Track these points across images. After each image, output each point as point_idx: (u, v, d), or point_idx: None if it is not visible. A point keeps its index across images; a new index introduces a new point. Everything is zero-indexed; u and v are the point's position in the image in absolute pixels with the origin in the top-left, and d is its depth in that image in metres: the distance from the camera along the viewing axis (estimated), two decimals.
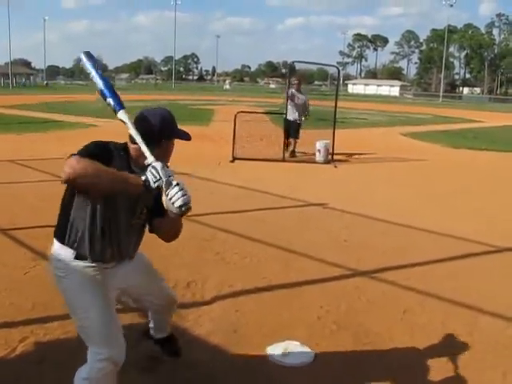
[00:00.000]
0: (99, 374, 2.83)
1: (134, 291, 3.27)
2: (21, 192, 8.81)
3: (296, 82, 14.87)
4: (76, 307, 2.90)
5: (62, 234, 2.84)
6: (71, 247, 2.82)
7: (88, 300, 2.87)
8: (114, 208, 2.79)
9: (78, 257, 2.83)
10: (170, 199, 2.56)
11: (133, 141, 2.77)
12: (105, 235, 2.81)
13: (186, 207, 2.59)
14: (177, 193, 2.56)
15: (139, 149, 2.72)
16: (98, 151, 2.68)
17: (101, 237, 2.80)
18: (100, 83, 2.89)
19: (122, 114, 2.82)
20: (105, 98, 2.88)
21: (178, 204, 2.57)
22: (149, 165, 2.60)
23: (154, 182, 2.55)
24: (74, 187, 2.68)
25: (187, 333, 4.22)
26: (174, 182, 2.58)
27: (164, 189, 2.57)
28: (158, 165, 2.59)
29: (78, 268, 2.85)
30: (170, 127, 2.90)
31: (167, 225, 2.89)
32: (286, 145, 14.23)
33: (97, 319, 2.85)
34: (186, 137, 2.91)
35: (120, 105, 2.86)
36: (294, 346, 4.04)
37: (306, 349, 4.03)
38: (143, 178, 2.57)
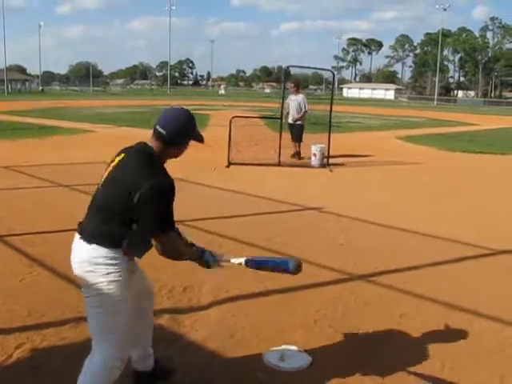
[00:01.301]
0: (110, 373, 2.95)
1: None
2: (16, 198, 8.80)
3: (292, 86, 15.14)
4: (108, 300, 2.91)
5: (110, 238, 2.89)
6: (120, 249, 2.89)
7: (126, 300, 2.95)
8: None
9: (124, 256, 2.92)
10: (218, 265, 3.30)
11: (160, 141, 2.91)
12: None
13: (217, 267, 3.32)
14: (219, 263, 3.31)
15: (161, 146, 2.91)
16: (173, 198, 2.88)
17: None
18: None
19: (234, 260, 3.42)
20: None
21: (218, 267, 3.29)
22: (220, 259, 3.30)
23: (210, 265, 3.25)
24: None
25: (184, 338, 4.22)
26: (222, 264, 3.35)
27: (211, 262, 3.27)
28: (220, 258, 3.29)
29: (125, 266, 2.93)
30: (192, 131, 3.02)
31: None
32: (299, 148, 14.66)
33: (126, 320, 2.98)
34: (200, 139, 3.06)
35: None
36: (291, 351, 4.04)
37: (303, 353, 4.02)
38: (205, 258, 3.21)
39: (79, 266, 2.94)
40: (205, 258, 3.17)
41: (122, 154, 2.98)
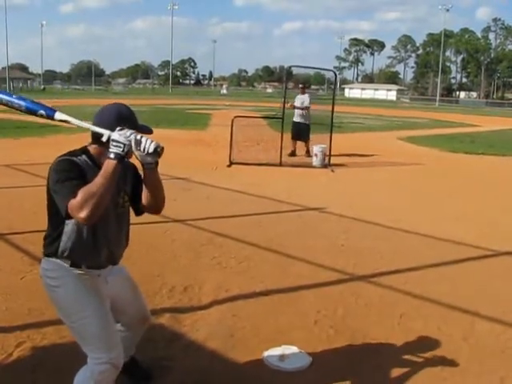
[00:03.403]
0: (100, 377, 2.85)
1: (118, 301, 3.18)
2: (18, 197, 8.81)
3: (301, 86, 15.69)
4: (72, 313, 2.89)
5: (53, 247, 2.85)
6: (64, 257, 2.83)
7: (85, 305, 2.87)
8: None
9: (73, 264, 2.84)
10: (144, 150, 2.60)
11: (94, 140, 2.80)
12: (97, 236, 2.83)
13: (159, 148, 2.62)
14: (146, 142, 2.60)
15: (98, 147, 2.77)
16: (76, 173, 2.69)
17: (93, 238, 2.82)
18: (22, 104, 2.86)
19: (59, 115, 2.81)
20: (35, 113, 2.85)
21: (151, 150, 2.59)
22: (108, 140, 2.62)
23: (123, 151, 2.58)
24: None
25: (184, 337, 4.22)
26: (138, 137, 2.61)
27: (134, 148, 2.61)
28: (115, 134, 2.61)
29: (72, 276, 2.86)
30: (127, 119, 2.81)
31: (149, 188, 2.90)
32: (294, 148, 14.95)
33: (96, 324, 2.86)
34: (145, 129, 2.82)
35: (51, 109, 2.85)
36: (291, 351, 4.03)
37: (303, 353, 4.02)
38: (111, 155, 2.58)
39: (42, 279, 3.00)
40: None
41: None
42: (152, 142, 2.60)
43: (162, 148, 2.64)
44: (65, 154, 2.81)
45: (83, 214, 2.52)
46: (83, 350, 2.92)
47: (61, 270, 2.85)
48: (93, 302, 2.89)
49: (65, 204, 2.58)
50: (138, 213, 3.08)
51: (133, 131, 2.62)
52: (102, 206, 2.60)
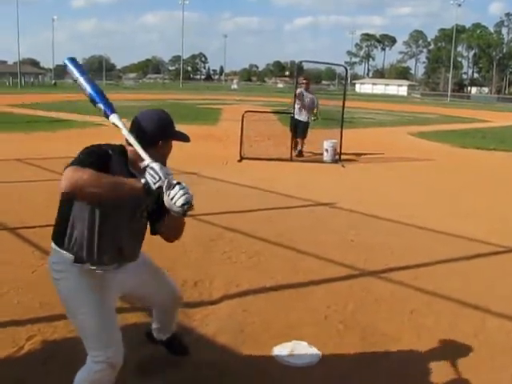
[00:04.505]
0: (97, 376, 2.84)
1: (139, 292, 3.24)
2: (29, 191, 8.85)
3: (305, 81, 14.78)
4: (73, 309, 2.90)
5: (60, 238, 2.84)
6: (69, 251, 2.81)
7: (85, 302, 2.85)
8: (114, 211, 2.77)
9: (76, 260, 2.82)
10: (172, 199, 2.48)
11: (130, 143, 2.75)
12: (103, 239, 2.80)
13: (187, 206, 2.49)
14: (178, 192, 2.48)
15: (134, 150, 2.71)
16: (95, 157, 2.65)
17: (99, 240, 2.79)
18: (88, 88, 2.88)
19: (114, 118, 2.82)
20: (95, 103, 2.87)
21: (179, 203, 2.47)
22: (146, 167, 2.55)
23: (154, 184, 2.49)
24: (74, 197, 2.69)
25: (194, 332, 4.22)
26: (174, 182, 2.51)
27: (165, 189, 2.50)
28: (156, 165, 2.53)
29: (75, 271, 2.84)
30: (167, 128, 2.84)
31: (170, 225, 2.88)
32: (295, 144, 14.25)
33: (94, 321, 2.85)
34: (183, 138, 2.85)
35: (111, 109, 2.85)
36: (301, 346, 4.03)
37: (313, 349, 4.02)
38: (143, 180, 2.52)
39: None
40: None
41: None
42: (184, 195, 2.47)
43: (191, 206, 2.51)
44: (100, 144, 2.81)
45: (66, 182, 2.47)
46: (85, 347, 2.93)
47: (65, 263, 2.84)
48: (92, 299, 2.86)
49: (68, 164, 2.56)
50: (152, 233, 3.06)
51: (172, 174, 2.54)
52: (89, 196, 2.58)
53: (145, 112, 2.88)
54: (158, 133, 2.77)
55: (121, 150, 2.81)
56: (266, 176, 11.14)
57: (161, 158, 2.74)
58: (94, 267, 2.86)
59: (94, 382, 2.87)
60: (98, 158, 2.67)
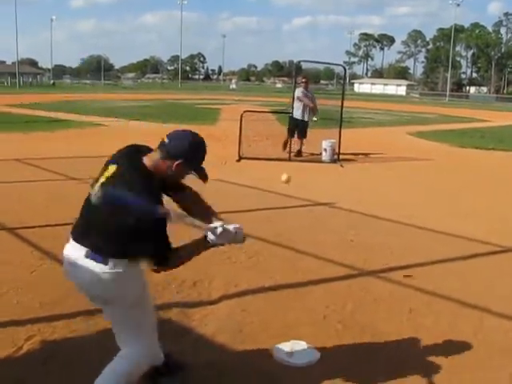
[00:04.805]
0: (137, 371, 2.97)
1: None
2: (28, 191, 8.84)
3: (304, 80, 14.76)
4: (136, 303, 2.93)
5: (114, 253, 2.78)
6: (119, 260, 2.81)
7: (148, 299, 3.02)
8: None
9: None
10: (231, 241, 3.01)
11: (165, 154, 2.78)
12: None
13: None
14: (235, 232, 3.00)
15: (162, 161, 2.77)
16: (163, 222, 2.71)
17: None
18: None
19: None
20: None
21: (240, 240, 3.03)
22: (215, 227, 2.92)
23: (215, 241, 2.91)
24: None
25: (193, 332, 4.23)
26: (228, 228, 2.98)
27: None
28: (229, 226, 3.00)
29: (134, 270, 2.88)
30: (196, 156, 2.89)
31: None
32: (286, 143, 14.14)
33: (151, 320, 3.03)
34: (204, 177, 2.97)
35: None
36: (300, 346, 4.03)
37: (312, 348, 4.02)
38: (212, 243, 2.91)
39: (93, 288, 2.88)
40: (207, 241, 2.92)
41: (115, 166, 2.83)
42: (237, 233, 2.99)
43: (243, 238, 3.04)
44: (141, 184, 2.74)
45: (171, 265, 2.85)
46: (125, 339, 2.98)
47: (127, 266, 2.82)
48: (148, 296, 3.06)
49: (160, 254, 2.76)
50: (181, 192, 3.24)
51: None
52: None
53: (185, 131, 2.92)
54: (185, 155, 2.79)
55: (147, 172, 2.79)
56: (265, 176, 11.11)
57: (177, 178, 2.92)
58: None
59: (133, 375, 2.97)
60: (163, 222, 2.73)
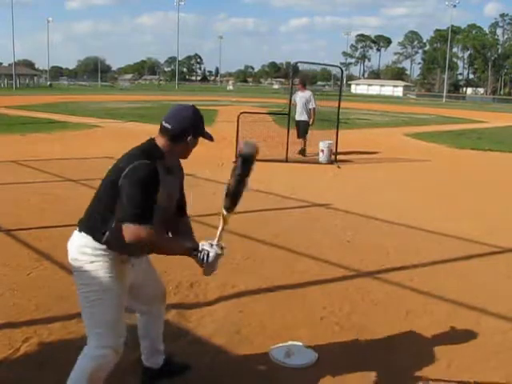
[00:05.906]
0: (102, 362, 2.88)
1: (137, 284, 3.19)
2: (24, 193, 8.82)
3: (298, 84, 15.08)
4: (93, 293, 2.91)
5: (93, 227, 2.88)
6: (102, 239, 2.85)
7: (108, 288, 2.91)
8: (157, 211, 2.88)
9: (108, 247, 2.87)
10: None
11: (171, 138, 2.89)
12: None
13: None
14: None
15: (169, 145, 2.88)
16: (148, 193, 2.76)
17: None
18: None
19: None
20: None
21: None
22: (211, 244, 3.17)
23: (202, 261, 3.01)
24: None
25: (190, 333, 4.22)
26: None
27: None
28: (212, 252, 3.14)
29: (106, 256, 2.89)
30: (199, 125, 2.98)
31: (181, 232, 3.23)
32: (303, 149, 14.58)
33: (112, 310, 2.92)
34: (210, 138, 3.03)
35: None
36: (297, 347, 4.03)
37: (309, 350, 4.02)
38: (195, 255, 3.00)
39: (69, 252, 2.98)
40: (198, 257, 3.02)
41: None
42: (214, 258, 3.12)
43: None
44: (143, 154, 2.84)
45: (128, 238, 2.72)
46: (88, 334, 2.95)
47: (98, 250, 2.88)
48: (116, 288, 2.93)
49: (132, 223, 2.71)
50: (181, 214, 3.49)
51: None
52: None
53: (179, 107, 2.99)
54: (189, 128, 2.90)
55: (159, 153, 2.89)
56: (262, 177, 11.09)
57: (184, 152, 2.99)
58: (124, 256, 2.94)
59: (98, 369, 2.90)
60: (152, 182, 2.77)
